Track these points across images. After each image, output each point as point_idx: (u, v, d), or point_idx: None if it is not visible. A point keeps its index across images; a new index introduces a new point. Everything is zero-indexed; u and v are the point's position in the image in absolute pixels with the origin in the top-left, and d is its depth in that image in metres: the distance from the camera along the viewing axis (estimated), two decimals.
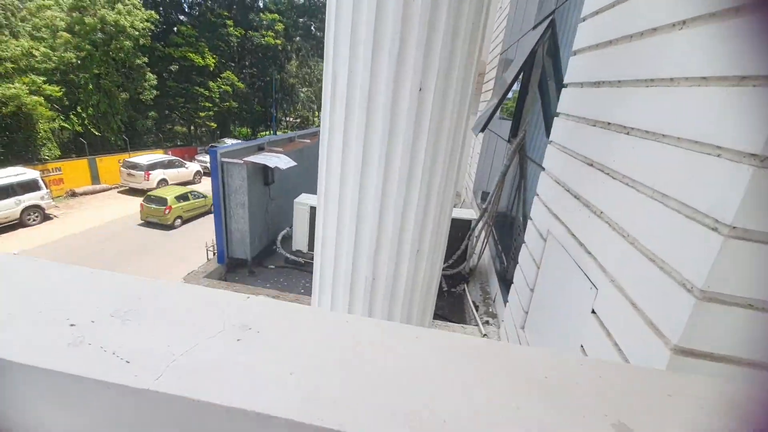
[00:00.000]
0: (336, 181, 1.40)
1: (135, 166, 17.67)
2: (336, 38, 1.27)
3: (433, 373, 0.54)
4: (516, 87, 5.62)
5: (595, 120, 2.01)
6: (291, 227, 5.76)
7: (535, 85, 5.01)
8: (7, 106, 14.65)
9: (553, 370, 0.53)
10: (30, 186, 13.36)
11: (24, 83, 15.41)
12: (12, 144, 15.49)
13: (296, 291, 4.57)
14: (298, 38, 32.69)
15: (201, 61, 23.56)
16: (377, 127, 1.26)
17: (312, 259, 5.78)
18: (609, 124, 1.83)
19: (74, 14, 18.02)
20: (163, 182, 18.36)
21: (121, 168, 17.92)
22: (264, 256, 5.66)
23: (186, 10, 26.98)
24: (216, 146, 20.93)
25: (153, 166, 18.08)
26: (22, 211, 13.13)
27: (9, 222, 12.86)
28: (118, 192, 17.98)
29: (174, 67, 23.82)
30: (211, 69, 24.49)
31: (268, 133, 33.66)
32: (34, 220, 13.52)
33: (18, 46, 15.41)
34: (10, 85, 14.82)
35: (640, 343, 1.31)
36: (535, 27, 5.24)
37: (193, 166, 20.66)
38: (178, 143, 24.68)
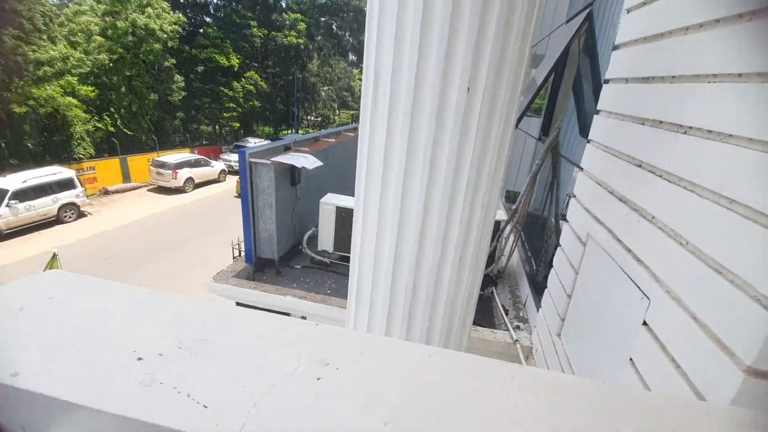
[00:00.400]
0: (377, 186, 1.35)
1: (163, 165, 18.24)
2: (379, 35, 1.22)
3: (544, 423, 0.48)
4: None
5: (643, 118, 1.90)
6: (317, 227, 5.78)
7: (569, 81, 4.84)
8: (45, 107, 15.37)
9: (680, 422, 0.46)
10: (66, 184, 13.99)
11: (59, 85, 16.11)
12: (50, 144, 16.25)
13: (323, 292, 4.58)
14: (319, 37, 32.96)
15: (226, 62, 24.05)
16: (422, 128, 1.21)
17: (338, 259, 5.81)
18: (661, 122, 1.72)
19: (108, 19, 18.72)
20: (189, 181, 18.89)
21: (150, 167, 18.54)
22: (290, 256, 5.71)
23: (211, 12, 27.59)
24: (240, 145, 21.41)
25: (180, 165, 18.62)
26: (59, 209, 13.76)
27: (47, 219, 13.50)
28: (148, 190, 18.60)
29: (200, 69, 24.42)
30: (236, 69, 24.97)
31: (289, 131, 34.14)
32: (69, 218, 14.15)
33: (55, 50, 16.13)
34: (46, 87, 15.53)
35: (705, 361, 1.22)
36: (568, 21, 5.06)
37: (218, 165, 21.17)
38: (204, 142, 25.31)
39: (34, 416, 0.54)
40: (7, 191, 12.28)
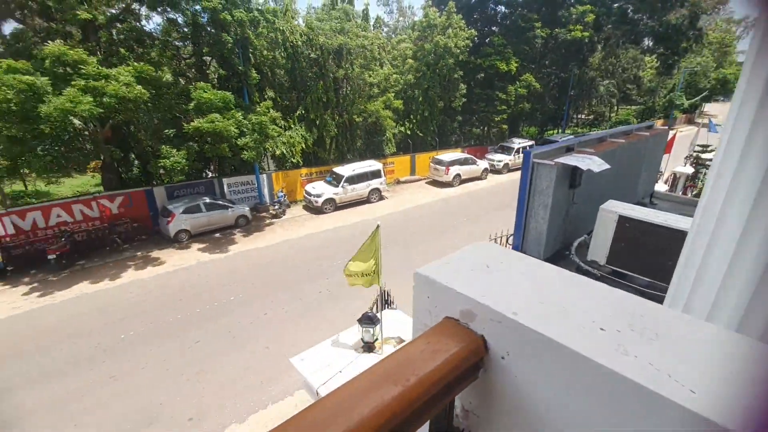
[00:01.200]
0: (740, 208, 1.18)
1: (440, 162, 21.44)
2: None
3: None
4: None
5: None
6: (589, 235, 5.46)
7: None
8: (371, 117, 20.95)
9: None
10: (375, 174, 18.71)
11: (382, 101, 21.51)
12: (370, 143, 22.13)
13: None
14: (609, 26, 29.11)
15: (505, 67, 25.11)
16: None
17: (609, 274, 5.27)
18: None
19: (419, 43, 23.28)
20: (457, 177, 21.36)
21: (431, 163, 22.14)
22: (555, 259, 5.65)
23: (498, 20, 29.33)
24: (506, 146, 22.09)
25: (452, 163, 21.35)
26: (369, 192, 18.58)
27: (361, 199, 18.52)
28: (426, 183, 22.30)
29: (480, 76, 26.58)
30: (513, 73, 25.72)
31: (556, 131, 32.26)
32: (374, 199, 18.86)
33: (381, 73, 21.59)
34: (375, 101, 21.09)
35: None
36: None
37: (482, 164, 22.87)
38: (472, 142, 27.66)
39: (517, 345, 0.68)
40: (343, 176, 17.67)
